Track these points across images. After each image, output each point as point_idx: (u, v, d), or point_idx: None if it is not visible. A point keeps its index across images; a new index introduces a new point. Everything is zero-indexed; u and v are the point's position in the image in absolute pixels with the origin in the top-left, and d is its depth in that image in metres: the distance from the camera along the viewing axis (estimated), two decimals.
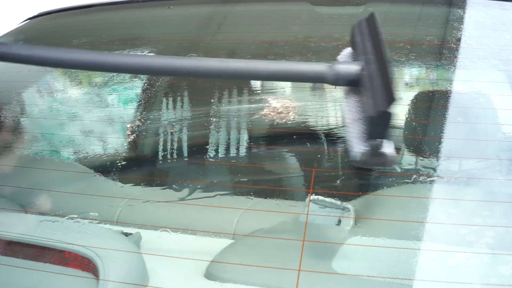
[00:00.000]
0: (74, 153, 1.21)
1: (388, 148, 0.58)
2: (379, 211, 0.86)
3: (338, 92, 1.11)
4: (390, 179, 1.17)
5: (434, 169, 0.89)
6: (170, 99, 1.35)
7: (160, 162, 1.30)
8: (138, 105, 1.48)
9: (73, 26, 1.52)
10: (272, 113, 1.28)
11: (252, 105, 1.28)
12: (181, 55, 1.36)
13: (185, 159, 1.27)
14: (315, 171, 1.04)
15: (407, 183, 0.92)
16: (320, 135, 1.22)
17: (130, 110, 1.37)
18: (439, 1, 1.34)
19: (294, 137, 1.20)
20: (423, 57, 1.12)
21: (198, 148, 1.28)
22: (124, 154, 1.25)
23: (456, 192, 0.86)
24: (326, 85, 1.26)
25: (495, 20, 1.25)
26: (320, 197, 0.87)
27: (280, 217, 0.89)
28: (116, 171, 1.13)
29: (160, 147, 1.30)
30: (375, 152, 0.57)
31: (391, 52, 1.15)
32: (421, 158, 0.96)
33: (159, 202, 0.95)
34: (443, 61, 1.11)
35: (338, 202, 0.87)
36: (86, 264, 0.74)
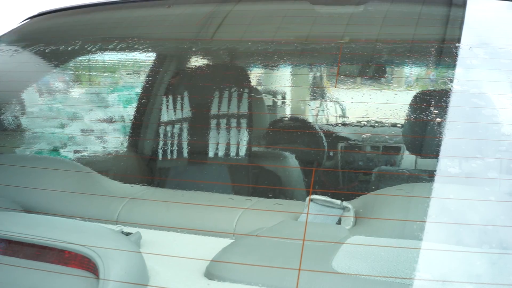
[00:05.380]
0: (74, 152, 1.22)
1: None
2: (379, 211, 0.86)
3: (337, 92, 1.11)
4: (390, 179, 1.17)
5: (434, 169, 0.89)
6: (170, 99, 1.35)
7: (160, 162, 1.30)
8: (138, 105, 1.48)
9: (73, 26, 1.52)
10: (272, 113, 1.27)
11: (252, 105, 1.28)
12: (181, 55, 1.36)
13: (185, 159, 1.27)
14: (315, 171, 1.04)
15: (407, 183, 0.92)
16: (320, 135, 1.22)
17: (130, 110, 1.38)
18: (439, 1, 1.34)
19: (294, 137, 1.20)
20: (423, 57, 1.12)
21: (198, 148, 1.28)
22: (124, 154, 1.25)
23: (456, 192, 0.86)
24: (325, 86, 1.27)
25: (496, 20, 1.24)
26: (320, 197, 0.87)
27: (280, 217, 0.89)
28: (116, 171, 1.13)
29: (160, 147, 1.30)
30: None
31: (391, 52, 1.15)
32: (421, 158, 0.96)
33: (159, 202, 0.95)
34: (443, 61, 1.11)
35: (338, 202, 0.87)
36: (86, 264, 0.74)
